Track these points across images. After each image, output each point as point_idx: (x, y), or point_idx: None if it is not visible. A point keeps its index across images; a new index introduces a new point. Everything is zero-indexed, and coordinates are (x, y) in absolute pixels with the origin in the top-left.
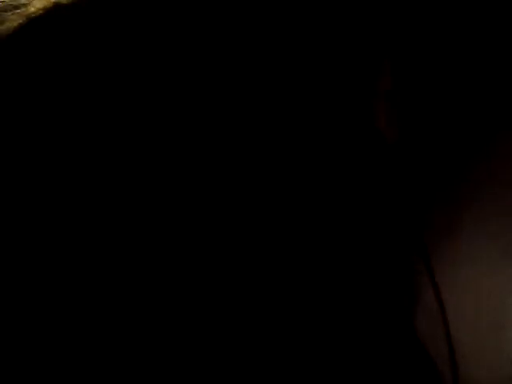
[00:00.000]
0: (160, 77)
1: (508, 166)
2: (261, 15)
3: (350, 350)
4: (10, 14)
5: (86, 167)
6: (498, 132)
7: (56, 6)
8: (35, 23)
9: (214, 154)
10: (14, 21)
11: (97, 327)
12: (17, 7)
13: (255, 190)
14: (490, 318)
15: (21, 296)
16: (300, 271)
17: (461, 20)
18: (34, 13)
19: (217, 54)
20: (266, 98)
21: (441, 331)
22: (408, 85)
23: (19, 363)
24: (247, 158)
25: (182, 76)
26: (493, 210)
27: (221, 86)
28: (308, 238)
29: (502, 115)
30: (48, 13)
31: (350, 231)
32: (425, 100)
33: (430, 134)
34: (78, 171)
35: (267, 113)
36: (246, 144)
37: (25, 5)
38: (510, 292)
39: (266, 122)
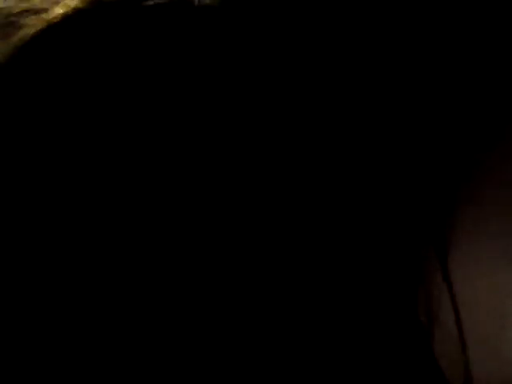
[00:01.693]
0: (175, 80)
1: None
2: None
3: (361, 367)
4: (29, 19)
5: (89, 167)
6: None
7: (76, 12)
8: (54, 29)
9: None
10: (33, 26)
11: (96, 327)
12: (37, 12)
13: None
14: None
15: (20, 295)
16: (306, 274)
17: None
18: (54, 18)
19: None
20: None
21: (459, 358)
22: None
23: (19, 363)
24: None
25: (193, 80)
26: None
27: None
28: (318, 235)
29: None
30: (68, 19)
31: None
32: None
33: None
34: (79, 171)
35: None
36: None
37: (45, 10)
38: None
39: None
